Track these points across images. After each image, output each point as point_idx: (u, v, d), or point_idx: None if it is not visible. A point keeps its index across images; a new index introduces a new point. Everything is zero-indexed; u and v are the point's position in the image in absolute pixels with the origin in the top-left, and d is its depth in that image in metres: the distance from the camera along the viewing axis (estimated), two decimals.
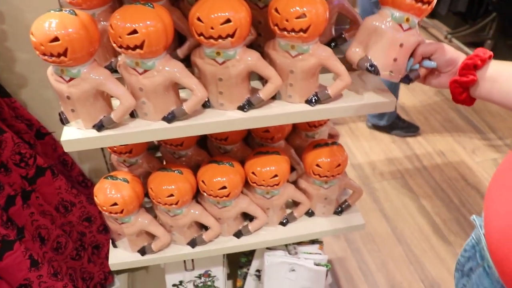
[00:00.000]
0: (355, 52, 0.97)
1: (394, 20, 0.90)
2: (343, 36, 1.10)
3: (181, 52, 1.01)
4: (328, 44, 1.10)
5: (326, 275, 1.42)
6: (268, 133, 1.21)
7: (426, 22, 4.17)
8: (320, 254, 1.40)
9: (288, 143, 1.30)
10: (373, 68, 0.95)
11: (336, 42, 1.10)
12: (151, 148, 1.37)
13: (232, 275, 1.70)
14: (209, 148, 1.29)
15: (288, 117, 0.97)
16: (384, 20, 0.91)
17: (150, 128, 0.94)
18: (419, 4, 0.87)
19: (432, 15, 4.24)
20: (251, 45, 1.03)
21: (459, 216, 2.37)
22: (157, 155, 1.36)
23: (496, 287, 0.73)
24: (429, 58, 0.95)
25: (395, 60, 0.94)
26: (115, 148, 1.18)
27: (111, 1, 0.98)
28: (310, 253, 1.40)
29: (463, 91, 0.90)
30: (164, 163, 1.31)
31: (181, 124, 0.94)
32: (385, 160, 2.76)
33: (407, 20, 0.90)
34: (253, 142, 1.29)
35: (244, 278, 1.59)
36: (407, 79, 0.98)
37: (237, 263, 1.64)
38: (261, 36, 1.04)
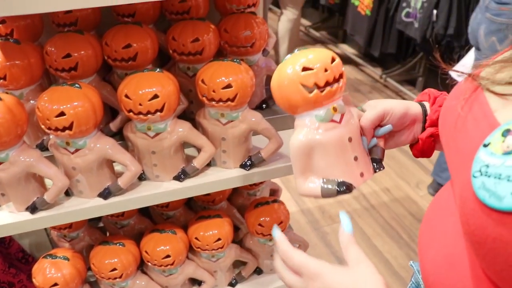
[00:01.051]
0: (308, 186, 0.75)
1: (322, 120, 0.72)
2: None
3: (113, 125, 1.01)
4: (259, 105, 1.13)
5: None
6: (209, 196, 1.21)
7: (362, 64, 4.34)
8: None
9: (230, 203, 1.31)
10: (345, 187, 0.74)
11: (267, 103, 1.14)
12: (93, 219, 1.35)
13: None
14: (152, 214, 1.28)
15: (224, 183, 0.99)
16: (312, 130, 0.72)
17: (86, 206, 0.93)
18: (335, 86, 0.71)
19: (366, 56, 4.43)
20: (183, 113, 1.05)
21: (409, 251, 2.42)
22: (100, 225, 1.34)
23: None
24: (379, 125, 0.81)
25: (356, 159, 0.76)
26: None
27: (39, 80, 0.98)
28: None
29: (434, 145, 0.83)
30: (108, 234, 1.28)
31: (118, 200, 0.94)
32: (333, 203, 2.80)
33: (335, 109, 0.72)
34: (195, 205, 1.29)
35: None
36: (377, 165, 0.81)
37: None
38: (193, 104, 1.06)
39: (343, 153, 0.74)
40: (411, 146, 0.87)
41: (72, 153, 0.88)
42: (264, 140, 1.00)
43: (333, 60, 0.71)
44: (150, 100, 0.85)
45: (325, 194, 0.75)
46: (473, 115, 0.55)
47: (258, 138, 1.03)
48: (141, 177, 0.98)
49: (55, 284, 1.05)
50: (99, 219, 1.34)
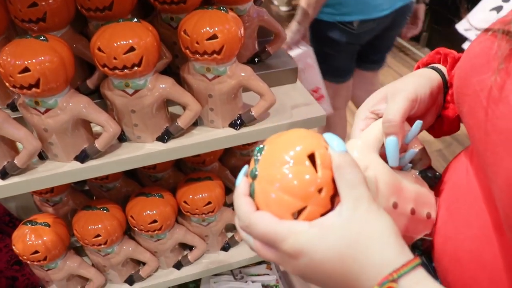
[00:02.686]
0: None
1: None
2: (266, 50, 1.05)
3: (91, 82, 0.92)
4: (251, 59, 1.05)
5: None
6: (199, 158, 1.14)
7: None
8: (268, 274, 1.35)
9: (222, 164, 1.23)
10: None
11: (260, 57, 1.05)
12: (78, 182, 1.28)
13: None
14: (139, 177, 1.21)
15: (211, 144, 0.91)
16: None
17: (62, 171, 0.85)
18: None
19: None
20: (168, 67, 0.96)
21: None
22: (85, 188, 1.27)
23: None
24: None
25: (413, 212, 0.55)
26: None
27: (5, 33, 0.88)
28: (257, 275, 1.34)
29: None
30: (94, 198, 1.22)
31: (96, 163, 0.86)
32: None
33: None
34: (185, 167, 1.22)
35: None
36: (432, 178, 0.61)
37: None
38: (178, 58, 0.97)
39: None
40: (431, 126, 0.67)
41: (43, 113, 0.80)
42: (256, 97, 0.91)
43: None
44: (125, 53, 0.76)
45: None
46: None
47: (249, 94, 0.95)
48: (122, 138, 0.90)
49: (36, 252, 0.99)
50: (84, 182, 1.27)
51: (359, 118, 0.59)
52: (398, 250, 0.41)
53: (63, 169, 0.85)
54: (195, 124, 0.93)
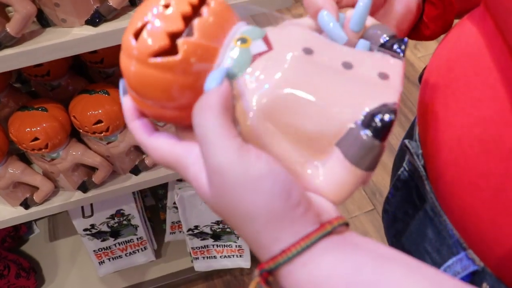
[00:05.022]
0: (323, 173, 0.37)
1: (244, 66, 0.36)
2: None
3: None
4: None
5: None
6: None
7: None
8: None
9: None
10: (385, 113, 0.33)
11: None
12: (23, 82, 1.15)
13: (156, 208, 1.56)
14: (89, 74, 1.08)
15: None
16: (250, 89, 0.36)
17: None
18: (203, 16, 0.36)
19: None
20: None
21: (401, 117, 2.26)
22: (32, 90, 1.14)
23: (446, 239, 0.49)
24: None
25: (348, 65, 0.37)
26: None
27: None
28: None
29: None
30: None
31: (10, 52, 0.72)
32: None
33: (243, 40, 0.37)
34: None
35: (165, 211, 1.45)
36: (395, 44, 0.40)
37: (157, 195, 1.49)
38: None
39: (321, 74, 0.35)
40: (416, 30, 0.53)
41: None
42: None
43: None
44: None
45: (362, 151, 0.33)
46: None
47: None
48: (44, 23, 0.76)
49: None
50: (29, 82, 1.14)
51: None
52: (276, 230, 0.31)
53: None
54: (133, 4, 0.78)
